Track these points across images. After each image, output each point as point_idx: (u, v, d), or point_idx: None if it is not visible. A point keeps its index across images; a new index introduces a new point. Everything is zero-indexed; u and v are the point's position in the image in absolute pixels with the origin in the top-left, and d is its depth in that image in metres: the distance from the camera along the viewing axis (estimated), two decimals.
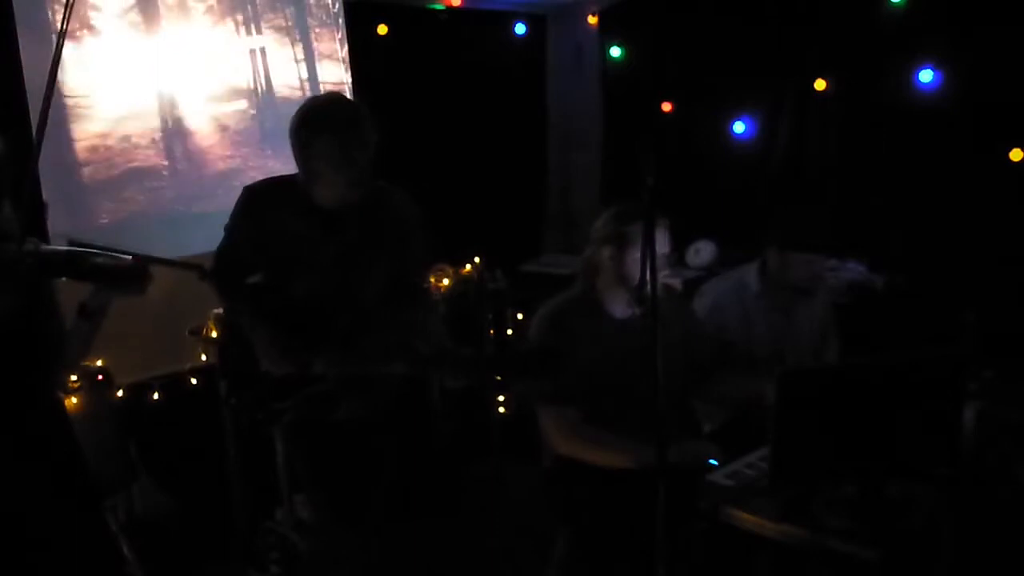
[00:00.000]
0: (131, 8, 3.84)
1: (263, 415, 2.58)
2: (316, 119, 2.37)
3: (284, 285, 2.52)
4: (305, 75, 4.50)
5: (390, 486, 2.82)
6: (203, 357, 3.58)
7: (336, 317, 2.50)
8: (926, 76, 4.24)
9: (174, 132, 3.99)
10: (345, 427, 2.56)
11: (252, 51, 4.27)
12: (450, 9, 4.99)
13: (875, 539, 2.02)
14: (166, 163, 3.99)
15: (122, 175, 3.86)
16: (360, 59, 4.68)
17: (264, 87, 4.32)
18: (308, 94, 4.42)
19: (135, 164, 3.89)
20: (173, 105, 3.99)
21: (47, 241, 2.02)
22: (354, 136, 2.37)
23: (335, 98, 2.43)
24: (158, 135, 3.94)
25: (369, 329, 2.52)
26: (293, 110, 2.45)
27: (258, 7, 4.29)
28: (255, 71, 4.29)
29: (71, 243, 1.95)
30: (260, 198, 2.52)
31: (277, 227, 2.47)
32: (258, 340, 2.49)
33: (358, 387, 2.54)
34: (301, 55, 4.48)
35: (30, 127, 3.52)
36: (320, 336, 2.47)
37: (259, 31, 4.30)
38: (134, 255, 1.95)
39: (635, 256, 2.45)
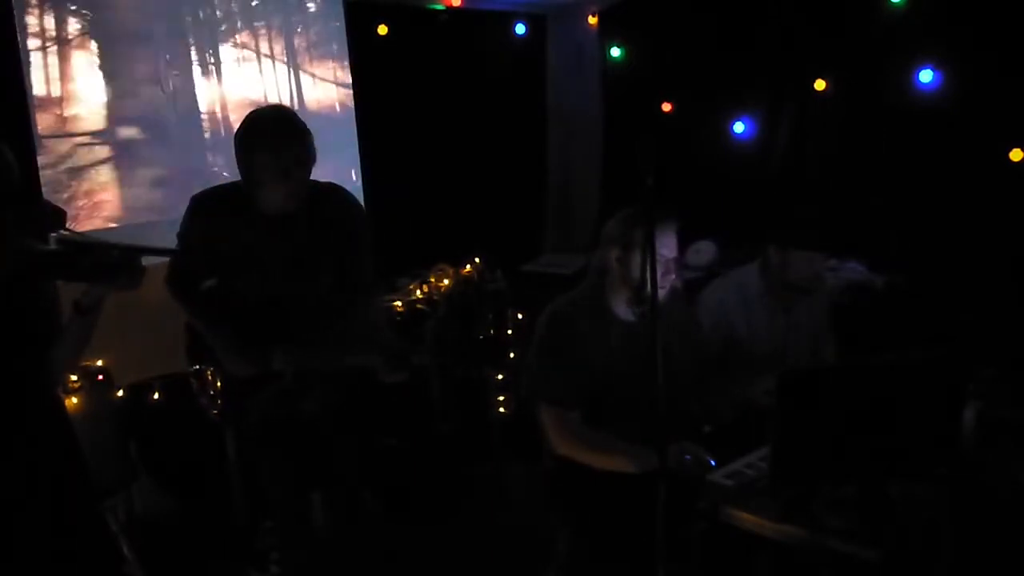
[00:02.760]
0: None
1: (232, 412, 2.62)
2: (257, 134, 2.43)
3: (235, 288, 2.58)
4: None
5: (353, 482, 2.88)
6: None
7: (287, 316, 2.57)
8: (926, 76, 4.24)
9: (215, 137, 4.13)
10: (305, 422, 2.65)
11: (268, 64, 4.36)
12: (450, 9, 4.98)
13: (875, 539, 2.02)
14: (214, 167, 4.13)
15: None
16: (360, 59, 4.68)
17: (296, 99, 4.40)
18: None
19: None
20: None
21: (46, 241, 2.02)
22: (293, 153, 2.43)
23: (278, 113, 2.49)
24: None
25: (320, 326, 2.60)
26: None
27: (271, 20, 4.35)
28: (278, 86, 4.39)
29: (60, 241, 1.94)
30: (207, 206, 2.59)
31: (225, 233, 2.54)
32: (216, 344, 2.56)
33: (316, 382, 2.61)
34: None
35: (33, 131, 3.54)
36: (274, 336, 2.51)
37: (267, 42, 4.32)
38: (125, 247, 1.95)
39: (640, 260, 2.45)
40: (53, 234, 1.94)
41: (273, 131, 2.41)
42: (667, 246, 2.53)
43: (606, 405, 2.54)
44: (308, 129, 2.46)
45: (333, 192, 2.66)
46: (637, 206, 2.54)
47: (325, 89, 4.59)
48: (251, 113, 2.50)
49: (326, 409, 2.67)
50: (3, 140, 1.91)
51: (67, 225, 1.88)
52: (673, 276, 2.59)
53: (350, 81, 4.66)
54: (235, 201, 2.52)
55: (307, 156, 2.45)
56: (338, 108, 4.61)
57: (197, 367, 2.69)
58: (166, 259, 2.33)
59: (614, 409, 2.54)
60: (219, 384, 2.65)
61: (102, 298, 2.00)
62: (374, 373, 2.56)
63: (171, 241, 2.66)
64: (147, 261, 2.01)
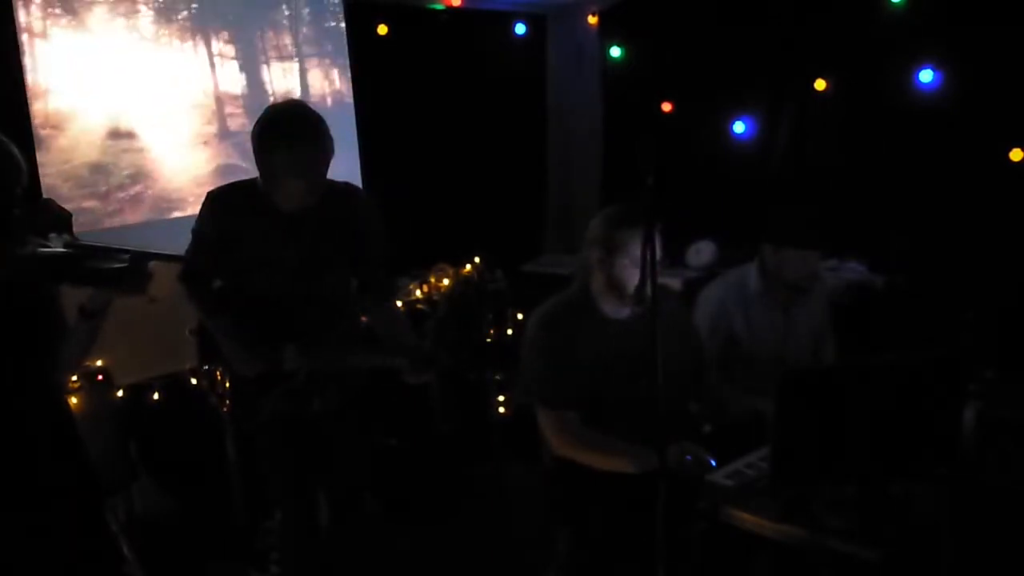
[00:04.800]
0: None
1: (241, 412, 2.62)
2: (276, 128, 2.41)
3: (248, 286, 2.57)
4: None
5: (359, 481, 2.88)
6: None
7: (299, 315, 2.55)
8: (926, 76, 4.24)
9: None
10: (312, 420, 2.63)
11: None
12: (450, 9, 4.99)
13: (875, 539, 2.02)
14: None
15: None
16: (360, 59, 4.68)
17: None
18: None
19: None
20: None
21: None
22: (312, 147, 2.41)
23: (296, 108, 2.47)
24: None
25: (332, 326, 2.59)
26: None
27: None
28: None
29: (68, 245, 1.94)
30: (222, 202, 2.58)
31: (239, 229, 2.53)
32: (224, 342, 2.56)
33: (328, 381, 2.59)
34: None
35: (31, 129, 3.54)
36: (285, 334, 2.51)
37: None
38: (132, 253, 1.95)
39: (623, 262, 2.45)
40: (63, 237, 1.94)
41: (292, 127, 2.39)
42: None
43: (603, 405, 2.54)
44: (326, 125, 2.45)
45: (346, 191, 2.66)
46: (619, 206, 2.55)
47: (325, 89, 4.59)
48: (269, 108, 2.48)
49: (335, 409, 2.66)
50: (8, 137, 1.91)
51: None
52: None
53: (350, 81, 4.66)
54: (251, 197, 2.52)
55: (326, 152, 2.44)
56: (338, 108, 4.61)
57: (207, 366, 2.69)
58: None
59: (611, 409, 2.54)
60: (228, 384, 2.64)
61: (108, 302, 2.00)
62: (397, 374, 2.55)
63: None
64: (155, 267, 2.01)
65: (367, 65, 4.71)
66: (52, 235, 1.95)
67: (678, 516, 2.09)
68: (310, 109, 2.48)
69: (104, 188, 3.81)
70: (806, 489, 2.17)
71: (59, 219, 1.97)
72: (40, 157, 3.61)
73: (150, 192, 3.96)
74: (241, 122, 4.22)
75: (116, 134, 3.84)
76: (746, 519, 2.19)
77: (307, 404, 2.60)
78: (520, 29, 5.44)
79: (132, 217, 3.90)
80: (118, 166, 3.85)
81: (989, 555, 2.13)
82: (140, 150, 3.91)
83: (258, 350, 2.51)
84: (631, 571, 2.44)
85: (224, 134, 4.19)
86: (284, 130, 2.39)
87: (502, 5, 5.35)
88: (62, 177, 3.69)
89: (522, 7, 5.41)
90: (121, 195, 3.86)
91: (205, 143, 4.15)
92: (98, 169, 3.79)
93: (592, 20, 5.49)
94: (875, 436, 2.13)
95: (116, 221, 3.85)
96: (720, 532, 2.25)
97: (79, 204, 3.72)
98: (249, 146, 2.46)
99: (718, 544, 2.32)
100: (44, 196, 3.57)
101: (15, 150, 1.90)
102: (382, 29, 4.79)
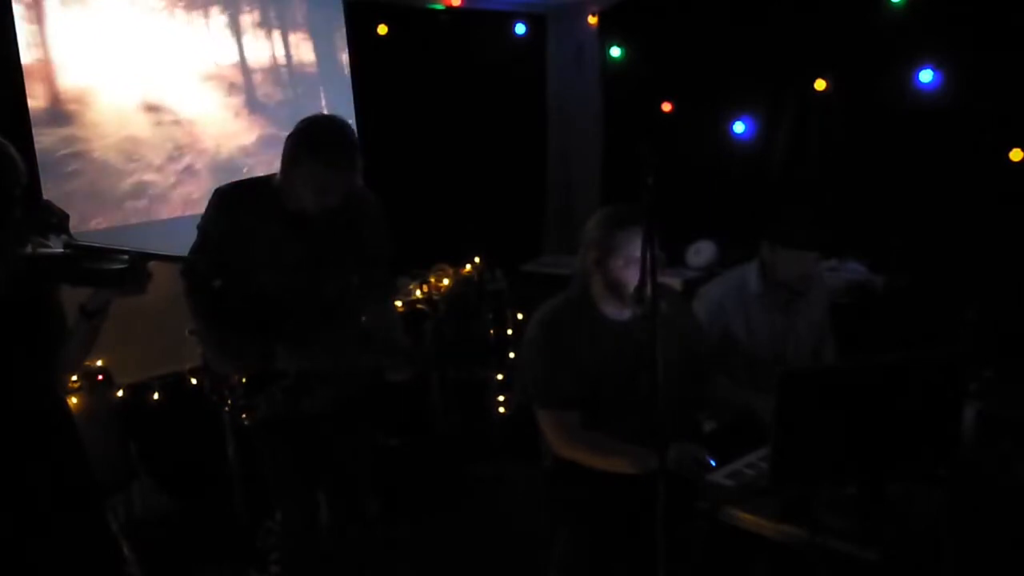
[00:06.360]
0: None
1: (237, 410, 2.62)
2: (309, 145, 2.40)
3: (251, 284, 2.58)
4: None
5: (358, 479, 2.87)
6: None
7: (298, 314, 2.56)
8: (926, 76, 4.24)
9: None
10: (311, 421, 2.63)
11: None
12: (450, 9, 4.99)
13: (875, 539, 2.02)
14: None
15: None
16: (360, 59, 4.68)
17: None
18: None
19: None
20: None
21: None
22: (339, 172, 2.41)
23: (334, 128, 2.46)
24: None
25: (328, 326, 2.59)
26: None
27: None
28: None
29: (67, 246, 1.95)
30: (230, 200, 2.58)
31: (246, 228, 2.54)
32: (209, 342, 2.57)
33: (319, 381, 2.60)
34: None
35: (30, 127, 3.54)
36: (278, 333, 2.52)
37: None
38: (131, 254, 1.95)
39: (618, 263, 2.46)
40: (63, 237, 1.95)
41: (328, 151, 2.38)
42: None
43: (604, 405, 2.54)
44: (360, 153, 2.45)
45: (355, 194, 2.65)
46: (615, 207, 2.55)
47: (324, 88, 4.59)
48: (308, 120, 2.47)
49: (333, 409, 2.66)
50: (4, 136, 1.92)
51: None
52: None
53: (350, 81, 4.67)
54: (259, 196, 2.52)
55: (350, 181, 2.44)
56: (337, 108, 4.61)
57: (207, 366, 2.70)
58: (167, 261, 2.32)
59: (611, 409, 2.54)
60: (229, 383, 2.64)
61: (108, 302, 2.01)
62: (380, 372, 2.55)
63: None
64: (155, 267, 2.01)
65: (367, 65, 4.71)
66: (52, 236, 1.96)
67: (678, 516, 2.09)
68: (350, 132, 2.46)
69: (158, 161, 3.81)
70: (806, 489, 2.17)
71: (60, 220, 1.97)
72: (76, 132, 3.62)
73: (201, 163, 3.96)
74: (266, 91, 4.24)
75: (147, 107, 3.82)
76: (746, 519, 2.19)
77: (299, 403, 2.60)
78: (520, 29, 5.44)
79: (195, 190, 3.90)
80: (161, 138, 3.84)
81: (989, 555, 2.13)
82: (175, 123, 3.91)
83: (245, 351, 2.51)
84: (631, 571, 2.44)
85: (254, 105, 4.20)
86: (319, 152, 2.38)
87: (502, 5, 5.35)
88: (112, 151, 3.70)
89: (522, 7, 5.41)
90: (176, 166, 3.88)
91: (236, 115, 4.14)
92: (142, 143, 3.79)
93: (592, 20, 5.49)
94: (875, 436, 2.13)
95: (182, 193, 3.87)
96: (720, 532, 2.25)
97: (141, 177, 3.75)
98: (284, 117, 2.44)
99: (718, 544, 2.33)
100: (100, 173, 3.65)
101: (14, 151, 1.90)
102: (382, 29, 4.79)
